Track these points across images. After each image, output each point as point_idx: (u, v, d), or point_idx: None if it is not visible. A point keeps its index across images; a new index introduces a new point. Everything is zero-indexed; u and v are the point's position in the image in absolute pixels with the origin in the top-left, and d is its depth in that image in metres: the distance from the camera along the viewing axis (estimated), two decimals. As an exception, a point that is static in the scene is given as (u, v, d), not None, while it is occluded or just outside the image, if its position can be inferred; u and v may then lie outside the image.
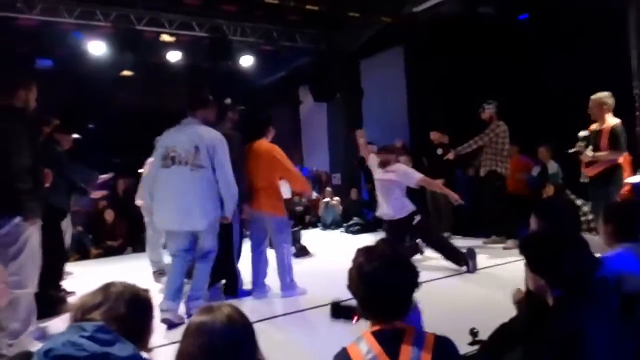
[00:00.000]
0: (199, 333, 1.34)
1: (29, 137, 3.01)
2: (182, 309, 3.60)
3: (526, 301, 1.82)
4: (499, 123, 5.84)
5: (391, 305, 1.49)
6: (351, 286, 1.57)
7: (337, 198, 9.15)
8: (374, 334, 1.45)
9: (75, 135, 4.52)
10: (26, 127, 3.01)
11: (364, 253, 1.57)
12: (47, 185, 3.25)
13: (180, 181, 3.54)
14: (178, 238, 3.68)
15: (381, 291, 1.49)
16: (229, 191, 3.61)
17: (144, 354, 1.43)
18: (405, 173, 5.06)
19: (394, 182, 5.01)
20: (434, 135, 6.99)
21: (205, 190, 3.54)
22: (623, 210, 2.28)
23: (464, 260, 4.81)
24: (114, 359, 1.32)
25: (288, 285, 4.23)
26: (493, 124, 5.86)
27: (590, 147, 4.60)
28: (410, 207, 4.99)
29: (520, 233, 6.32)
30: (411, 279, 1.55)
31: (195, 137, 3.56)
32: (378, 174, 5.15)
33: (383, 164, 5.10)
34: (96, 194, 4.59)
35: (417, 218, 4.99)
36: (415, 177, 4.99)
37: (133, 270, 5.60)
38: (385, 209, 5.07)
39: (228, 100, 4.59)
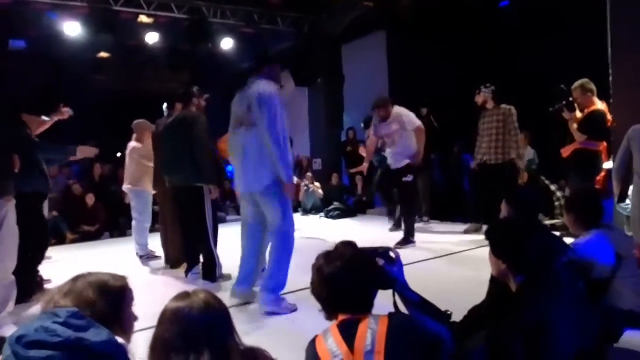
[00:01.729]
0: (175, 319, 1.35)
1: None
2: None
3: (490, 286, 1.87)
4: (509, 107, 5.45)
5: (353, 304, 1.52)
6: (314, 290, 1.61)
7: (317, 184, 9.16)
8: (338, 326, 1.49)
9: (45, 118, 4.38)
10: None
11: (324, 256, 1.61)
12: (16, 170, 3.17)
13: (238, 143, 3.49)
14: (245, 202, 3.59)
15: (342, 291, 1.52)
16: (274, 149, 3.30)
17: (120, 340, 1.43)
18: (405, 115, 5.27)
19: (397, 132, 5.25)
20: None
21: (258, 150, 3.36)
22: (583, 200, 2.34)
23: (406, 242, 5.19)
24: (88, 344, 1.32)
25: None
26: (493, 110, 5.53)
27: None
28: (406, 160, 5.19)
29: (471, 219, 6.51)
30: (372, 278, 1.59)
31: (249, 95, 3.42)
32: (383, 130, 5.38)
33: (384, 118, 5.31)
34: (85, 152, 4.39)
35: (409, 178, 5.17)
36: (416, 122, 5.25)
37: (111, 256, 5.57)
38: (390, 159, 5.39)
39: (195, 88, 4.59)
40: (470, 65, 6.91)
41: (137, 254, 5.37)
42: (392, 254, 1.76)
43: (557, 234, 3.86)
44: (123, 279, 1.58)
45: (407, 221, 5.40)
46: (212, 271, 4.27)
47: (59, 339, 1.30)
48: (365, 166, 6.15)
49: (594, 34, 5.41)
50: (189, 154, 4.14)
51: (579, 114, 4.61)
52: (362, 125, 6.88)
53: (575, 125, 4.58)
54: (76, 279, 1.52)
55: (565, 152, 4.69)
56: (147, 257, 5.35)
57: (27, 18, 7.58)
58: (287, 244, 3.46)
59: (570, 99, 4.62)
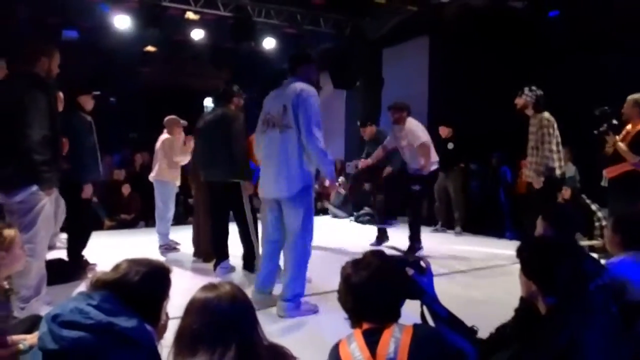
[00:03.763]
0: (203, 310, 1.37)
1: (49, 106, 3.00)
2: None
3: (519, 305, 1.82)
4: (546, 115, 4.88)
5: (379, 313, 1.51)
6: (340, 298, 1.60)
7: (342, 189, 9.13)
8: (363, 332, 1.48)
9: (96, 92, 4.54)
10: (46, 96, 3.00)
11: (352, 265, 1.60)
12: (64, 153, 3.31)
13: (270, 145, 3.36)
14: (267, 207, 3.49)
15: (368, 301, 1.52)
16: (315, 151, 3.22)
17: (149, 327, 1.47)
18: (411, 131, 5.22)
19: (408, 147, 5.23)
20: (443, 131, 6.96)
21: (291, 154, 3.25)
22: (633, 222, 2.25)
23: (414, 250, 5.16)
24: (118, 328, 1.36)
25: None
26: (532, 118, 4.99)
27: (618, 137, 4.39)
28: (419, 171, 5.16)
29: (509, 235, 6.35)
30: (400, 288, 1.58)
31: (285, 95, 3.31)
32: (398, 141, 5.35)
33: (397, 121, 5.31)
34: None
35: (416, 187, 5.17)
36: (420, 138, 5.14)
37: (145, 244, 5.72)
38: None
39: (235, 87, 4.69)
40: (513, 75, 6.74)
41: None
42: (422, 264, 1.74)
43: (595, 255, 3.74)
44: (168, 271, 1.61)
45: (412, 228, 5.36)
46: (251, 262, 4.40)
47: (90, 321, 1.34)
48: (365, 162, 5.79)
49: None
50: (227, 151, 4.21)
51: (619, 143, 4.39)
52: (358, 123, 6.68)
53: (622, 145, 4.37)
54: (123, 261, 1.56)
55: (611, 172, 4.48)
56: (166, 247, 5.46)
57: (80, 9, 7.88)
58: (304, 251, 3.39)
59: (614, 122, 4.44)
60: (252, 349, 1.36)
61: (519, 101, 5.00)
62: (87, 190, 4.21)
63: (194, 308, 1.39)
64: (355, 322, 1.56)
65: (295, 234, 3.34)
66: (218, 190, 4.46)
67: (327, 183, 3.48)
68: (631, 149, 4.30)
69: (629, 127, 4.46)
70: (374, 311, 1.52)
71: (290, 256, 3.37)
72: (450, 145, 6.85)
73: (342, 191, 8.85)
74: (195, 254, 5.07)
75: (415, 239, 5.35)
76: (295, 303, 3.37)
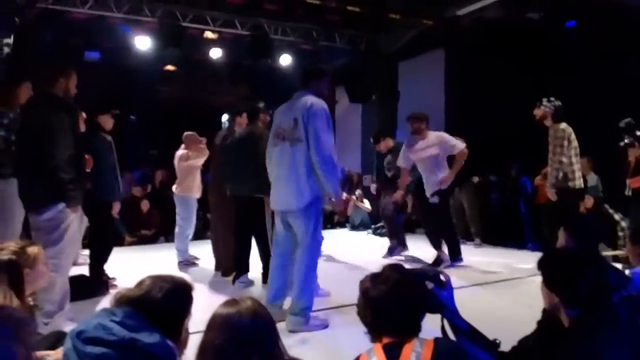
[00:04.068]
0: (225, 325, 1.38)
1: (72, 126, 3.10)
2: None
3: (541, 317, 1.79)
4: (562, 125, 4.85)
5: (399, 328, 1.50)
6: (359, 312, 1.59)
7: (366, 200, 9.12)
8: (384, 346, 1.47)
9: (115, 112, 4.64)
10: (68, 116, 3.10)
11: (371, 279, 1.59)
12: (87, 170, 3.39)
13: (282, 158, 3.38)
14: (278, 218, 3.52)
15: (387, 316, 1.51)
16: (322, 165, 3.23)
17: (170, 343, 1.49)
18: (448, 141, 5.19)
19: (434, 156, 5.18)
20: None
21: (301, 167, 3.27)
22: None
23: (436, 264, 5.11)
24: (141, 345, 1.37)
25: None
26: (550, 129, 4.93)
27: None
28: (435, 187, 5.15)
29: (530, 246, 6.23)
30: (419, 302, 1.56)
31: (296, 109, 3.33)
32: (416, 153, 5.27)
33: (416, 131, 5.29)
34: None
35: (435, 199, 5.15)
36: (459, 145, 5.14)
37: (165, 259, 5.78)
38: (428, 187, 5.25)
39: (261, 104, 4.77)
40: (530, 86, 6.69)
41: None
42: (442, 277, 1.72)
43: (619, 265, 3.66)
44: (190, 288, 1.62)
45: (449, 241, 5.33)
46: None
47: (114, 337, 1.37)
48: (400, 194, 5.82)
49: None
50: (254, 167, 4.24)
51: None
52: (372, 139, 6.63)
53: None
54: (147, 278, 1.58)
55: (636, 182, 4.41)
56: (185, 263, 5.50)
57: (102, 31, 8.12)
58: (312, 264, 3.40)
59: (639, 133, 4.37)
60: None
61: (538, 112, 5.00)
62: (116, 208, 4.36)
63: (216, 324, 1.40)
64: (375, 336, 1.55)
65: (303, 247, 3.35)
66: (243, 204, 4.51)
67: (332, 198, 3.44)
68: None
69: None
70: (393, 325, 1.51)
71: (298, 269, 3.36)
72: None
73: (368, 207, 8.84)
74: (216, 268, 5.10)
75: (455, 251, 5.32)
76: (305, 317, 3.34)
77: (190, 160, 5.54)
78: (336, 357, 2.75)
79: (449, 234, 5.41)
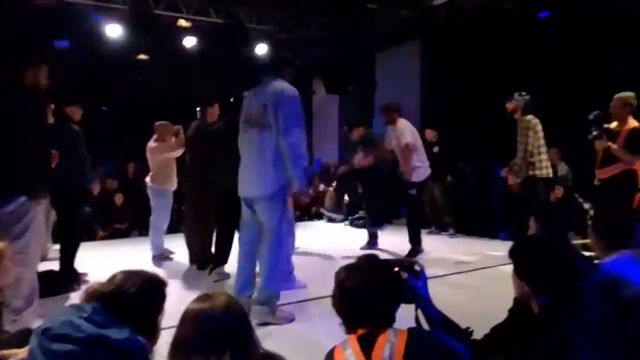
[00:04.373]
0: (198, 320, 1.37)
1: (37, 116, 3.01)
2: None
3: (512, 305, 1.82)
4: (530, 118, 5.10)
5: (373, 319, 1.50)
6: (334, 303, 1.60)
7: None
8: (358, 338, 1.48)
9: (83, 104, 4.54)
10: (34, 106, 3.00)
11: (346, 270, 1.60)
12: (53, 165, 3.30)
13: (249, 145, 3.34)
14: (244, 206, 3.48)
15: (362, 306, 1.51)
16: (289, 155, 3.18)
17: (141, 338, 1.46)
18: (400, 131, 5.38)
19: (397, 148, 5.38)
20: (430, 134, 6.98)
21: (268, 153, 3.22)
22: (613, 220, 2.24)
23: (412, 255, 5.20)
24: (110, 340, 1.34)
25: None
26: (519, 122, 5.18)
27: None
28: (412, 175, 5.31)
29: (503, 236, 6.36)
30: (394, 292, 1.57)
31: (266, 95, 3.28)
32: (390, 141, 5.51)
33: (388, 122, 5.49)
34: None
35: (413, 191, 5.33)
36: (405, 139, 5.28)
37: (139, 253, 5.69)
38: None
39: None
40: (505, 76, 6.79)
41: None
42: (416, 267, 1.73)
43: (589, 253, 3.75)
44: (164, 283, 1.61)
45: (412, 232, 5.43)
46: None
47: (81, 334, 1.33)
48: (366, 159, 5.69)
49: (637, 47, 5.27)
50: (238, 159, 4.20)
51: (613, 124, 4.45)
52: (345, 127, 6.57)
53: (616, 147, 4.40)
54: (119, 273, 1.55)
55: (605, 173, 4.51)
56: (159, 257, 5.42)
57: (72, 19, 7.86)
58: (278, 251, 3.34)
59: (607, 125, 4.47)
60: (247, 358, 1.36)
61: (510, 105, 5.25)
62: (95, 188, 4.22)
63: (189, 319, 1.39)
64: (350, 327, 1.56)
65: (268, 234, 3.30)
66: (228, 196, 4.45)
67: (294, 188, 3.34)
68: (628, 149, 4.33)
69: (615, 124, 4.51)
70: (368, 316, 1.51)
71: (264, 256, 3.32)
72: (436, 149, 6.86)
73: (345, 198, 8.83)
74: (191, 261, 5.05)
75: (415, 243, 5.41)
76: (270, 307, 3.31)
77: (165, 153, 5.40)
78: (312, 348, 2.75)
79: (415, 226, 5.51)
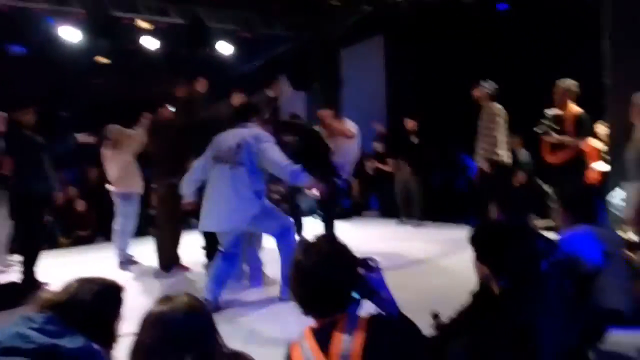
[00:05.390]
0: (157, 323, 1.32)
1: None
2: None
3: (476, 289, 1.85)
4: (497, 106, 5.37)
5: (328, 301, 1.45)
6: (291, 285, 1.54)
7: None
8: (313, 331, 1.42)
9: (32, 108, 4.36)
10: None
11: (303, 250, 1.54)
12: (6, 173, 3.18)
13: (221, 180, 3.55)
14: (226, 237, 3.67)
15: (317, 287, 1.46)
16: (292, 179, 3.55)
17: (96, 346, 1.42)
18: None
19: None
20: (410, 124, 7.03)
21: (241, 189, 3.49)
22: (581, 199, 2.32)
23: None
24: (63, 350, 1.31)
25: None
26: (484, 108, 5.43)
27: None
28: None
29: (472, 222, 6.46)
30: (349, 275, 1.51)
31: (239, 135, 3.58)
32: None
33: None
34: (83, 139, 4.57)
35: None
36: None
37: (103, 260, 5.55)
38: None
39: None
40: (467, 69, 6.91)
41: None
42: (370, 263, 1.62)
43: (551, 234, 3.85)
44: (120, 289, 1.58)
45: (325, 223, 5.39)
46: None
47: (32, 345, 1.29)
48: None
49: (590, 37, 5.44)
50: None
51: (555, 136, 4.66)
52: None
53: (567, 138, 4.59)
54: (75, 281, 1.52)
55: (558, 158, 4.69)
56: (125, 262, 5.27)
57: (26, 23, 7.60)
58: (293, 243, 3.57)
59: (552, 125, 4.69)
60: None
61: (477, 92, 5.44)
62: (58, 195, 4.32)
63: (148, 323, 1.34)
64: (306, 310, 1.50)
65: (279, 234, 3.62)
66: None
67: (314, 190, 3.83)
68: (577, 133, 4.52)
69: (557, 111, 4.72)
70: (322, 297, 1.45)
71: (285, 252, 3.58)
72: (415, 139, 6.91)
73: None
74: (160, 265, 4.93)
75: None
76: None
77: (124, 155, 5.22)
78: (279, 345, 2.74)
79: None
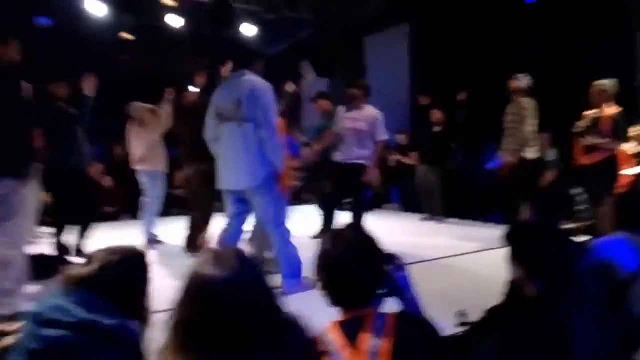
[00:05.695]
0: (203, 294, 1.14)
1: (11, 95, 2.91)
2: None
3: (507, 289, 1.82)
4: (527, 99, 5.19)
5: (355, 292, 1.43)
6: (317, 273, 1.51)
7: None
8: (340, 324, 1.40)
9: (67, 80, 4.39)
10: (7, 86, 2.90)
11: (330, 238, 1.51)
12: (37, 146, 3.21)
13: (230, 138, 3.39)
14: (228, 200, 3.58)
15: (345, 278, 1.43)
16: (273, 142, 3.31)
17: (131, 324, 1.42)
18: (377, 124, 5.09)
19: (359, 131, 5.05)
20: (437, 115, 6.92)
21: (251, 146, 3.31)
22: (632, 201, 2.26)
23: None
24: (100, 326, 1.31)
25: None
26: (514, 103, 5.27)
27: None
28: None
29: (494, 219, 6.37)
30: (377, 267, 1.49)
31: (238, 90, 3.35)
32: (347, 121, 5.13)
33: (350, 99, 5.19)
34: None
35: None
36: (381, 136, 5.10)
37: (129, 238, 5.58)
38: (353, 154, 5.07)
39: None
40: (493, 60, 6.79)
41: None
42: (397, 260, 1.61)
43: (578, 238, 3.79)
44: (143, 255, 1.58)
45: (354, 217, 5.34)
46: None
47: (72, 319, 1.30)
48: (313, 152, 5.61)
49: (623, 35, 5.30)
50: None
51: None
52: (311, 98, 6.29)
53: (602, 141, 4.50)
54: (96, 253, 1.52)
55: (587, 160, 4.61)
56: (152, 241, 5.29)
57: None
58: (286, 234, 3.47)
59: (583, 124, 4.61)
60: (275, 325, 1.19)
61: (514, 84, 5.26)
62: (95, 170, 4.12)
63: (190, 294, 1.17)
64: (332, 299, 1.47)
65: (272, 219, 3.43)
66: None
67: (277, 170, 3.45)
68: (614, 135, 4.46)
69: (591, 112, 4.64)
70: (349, 289, 1.42)
71: (276, 240, 3.46)
72: (437, 129, 6.77)
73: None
74: (187, 246, 4.87)
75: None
76: (298, 279, 3.45)
77: (150, 134, 5.21)
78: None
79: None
